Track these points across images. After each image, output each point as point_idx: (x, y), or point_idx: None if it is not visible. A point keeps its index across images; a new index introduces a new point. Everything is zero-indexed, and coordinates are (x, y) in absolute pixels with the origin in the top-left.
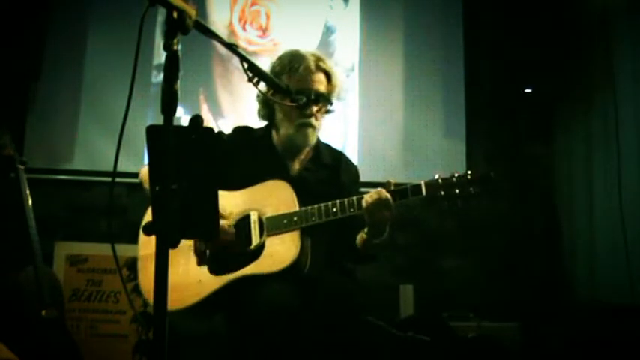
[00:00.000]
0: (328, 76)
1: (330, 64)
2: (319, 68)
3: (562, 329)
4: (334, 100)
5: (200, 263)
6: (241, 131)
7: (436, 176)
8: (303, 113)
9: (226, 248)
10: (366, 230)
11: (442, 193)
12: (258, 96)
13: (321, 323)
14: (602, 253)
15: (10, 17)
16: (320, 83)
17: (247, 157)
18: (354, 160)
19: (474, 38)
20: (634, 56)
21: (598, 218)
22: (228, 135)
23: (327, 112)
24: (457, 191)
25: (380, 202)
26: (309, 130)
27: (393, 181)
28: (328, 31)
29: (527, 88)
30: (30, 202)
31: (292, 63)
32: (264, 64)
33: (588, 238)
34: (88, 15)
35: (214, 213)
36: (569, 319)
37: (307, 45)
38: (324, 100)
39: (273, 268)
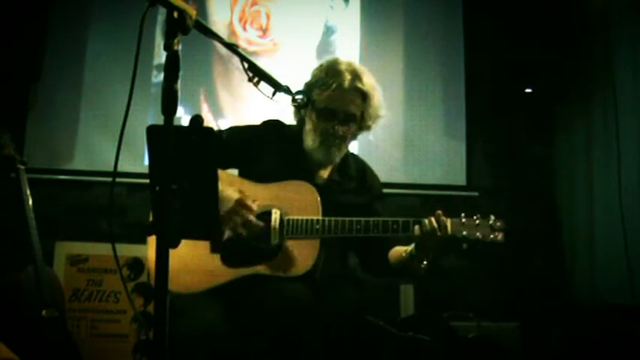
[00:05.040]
0: (364, 96)
1: (368, 82)
2: (354, 88)
3: (562, 329)
4: (369, 121)
5: (214, 250)
6: (273, 125)
7: (461, 215)
8: (328, 131)
9: (245, 241)
10: (409, 250)
11: (464, 233)
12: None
13: (323, 324)
14: (602, 253)
15: (10, 17)
16: (351, 104)
17: (275, 153)
18: None
19: (474, 38)
20: (634, 56)
21: (598, 218)
22: (258, 127)
23: (361, 129)
24: (479, 235)
25: (436, 232)
26: (333, 149)
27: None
28: (328, 31)
29: (527, 88)
30: (30, 202)
31: (326, 78)
32: (264, 64)
33: (588, 238)
34: (88, 15)
35: (214, 213)
36: (569, 319)
37: (307, 45)
38: (353, 121)
39: (286, 273)
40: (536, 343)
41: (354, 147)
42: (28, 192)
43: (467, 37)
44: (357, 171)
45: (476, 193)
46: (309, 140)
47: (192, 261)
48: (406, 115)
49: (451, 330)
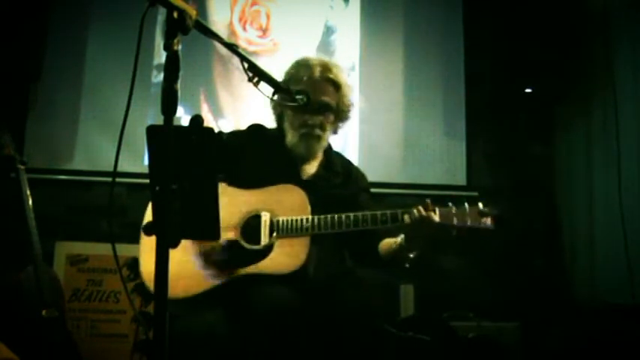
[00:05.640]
0: (336, 85)
1: (337, 73)
2: (325, 78)
3: (562, 329)
4: (345, 111)
5: (202, 265)
6: (255, 129)
7: (449, 204)
8: (305, 123)
9: (236, 244)
10: (399, 242)
11: (455, 221)
12: (271, 102)
13: (320, 322)
14: (602, 253)
15: (10, 17)
16: (324, 94)
17: (260, 156)
18: (355, 160)
19: (474, 38)
20: (634, 56)
21: (598, 218)
22: (243, 132)
23: (339, 119)
24: (468, 222)
25: (426, 221)
26: (313, 141)
27: (429, 201)
28: (328, 31)
29: (527, 88)
30: (30, 202)
31: (298, 72)
32: (264, 64)
33: (588, 238)
34: (88, 15)
35: (215, 212)
36: (569, 319)
37: (307, 45)
38: (328, 110)
39: (278, 271)
40: (536, 343)
41: (354, 146)
42: (28, 192)
43: (467, 37)
44: (343, 167)
45: (476, 193)
46: (289, 136)
47: (185, 266)
48: (406, 115)
49: (451, 330)
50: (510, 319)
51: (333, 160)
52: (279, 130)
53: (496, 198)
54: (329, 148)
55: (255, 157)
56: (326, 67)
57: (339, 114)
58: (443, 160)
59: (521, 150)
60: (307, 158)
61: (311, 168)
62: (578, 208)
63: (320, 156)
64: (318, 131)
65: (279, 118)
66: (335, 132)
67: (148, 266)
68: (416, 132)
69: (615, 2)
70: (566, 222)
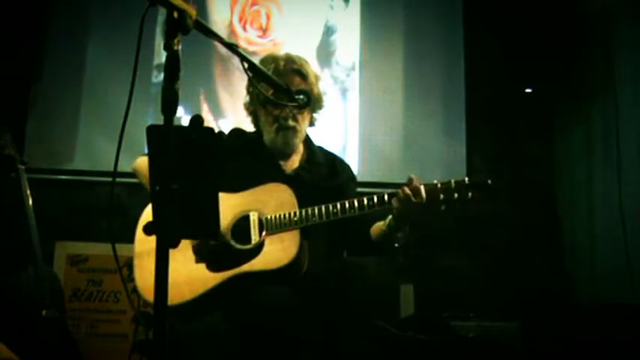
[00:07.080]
0: (302, 75)
1: (302, 64)
2: (290, 70)
3: (562, 329)
4: (316, 98)
5: (199, 261)
6: (236, 133)
7: (435, 181)
8: (278, 117)
9: (227, 246)
10: (387, 223)
11: (441, 196)
12: (244, 104)
13: (320, 323)
14: (602, 253)
15: (10, 17)
16: (291, 84)
17: (242, 159)
18: (355, 160)
19: (474, 38)
20: (634, 57)
21: (598, 218)
22: (225, 137)
23: (313, 110)
24: (455, 195)
25: (412, 199)
26: (289, 132)
27: (414, 176)
28: (328, 31)
29: (528, 88)
30: (30, 201)
31: (263, 67)
32: None
33: (588, 238)
34: (89, 15)
35: (215, 212)
36: (569, 319)
37: (307, 45)
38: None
39: (272, 266)
40: (536, 343)
41: (354, 146)
42: (28, 192)
43: (467, 37)
44: (327, 160)
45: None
46: (266, 134)
47: (178, 273)
48: (406, 115)
49: (451, 330)
50: (510, 319)
51: (315, 152)
52: (258, 130)
53: (496, 198)
54: (310, 141)
55: (238, 160)
56: (290, 60)
57: (311, 104)
58: (443, 160)
59: (521, 150)
60: (287, 152)
61: (293, 162)
62: (578, 208)
63: (301, 150)
64: (291, 122)
65: (255, 119)
66: (312, 124)
67: (142, 277)
68: (416, 132)
69: (615, 2)
70: (566, 222)
